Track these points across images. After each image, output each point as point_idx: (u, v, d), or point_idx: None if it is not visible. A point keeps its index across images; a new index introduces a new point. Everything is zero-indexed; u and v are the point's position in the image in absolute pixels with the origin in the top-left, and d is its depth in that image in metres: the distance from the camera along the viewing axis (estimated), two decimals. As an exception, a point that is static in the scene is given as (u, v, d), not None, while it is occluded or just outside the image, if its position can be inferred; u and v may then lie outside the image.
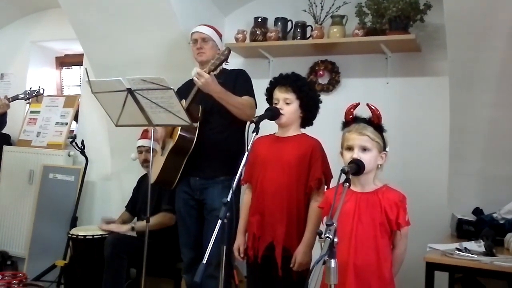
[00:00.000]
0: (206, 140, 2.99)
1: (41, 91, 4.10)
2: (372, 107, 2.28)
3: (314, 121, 2.74)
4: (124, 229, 3.60)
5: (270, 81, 2.74)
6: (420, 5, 3.32)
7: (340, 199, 1.80)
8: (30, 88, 4.15)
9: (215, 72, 2.95)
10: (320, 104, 2.73)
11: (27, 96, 4.07)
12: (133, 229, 3.59)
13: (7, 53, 5.28)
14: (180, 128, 2.96)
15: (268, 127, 2.71)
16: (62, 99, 4.96)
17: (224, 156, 2.99)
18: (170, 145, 3.05)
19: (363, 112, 2.31)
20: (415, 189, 3.17)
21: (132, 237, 3.67)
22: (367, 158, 2.17)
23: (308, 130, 2.74)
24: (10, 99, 4.03)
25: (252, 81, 3.16)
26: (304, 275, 2.51)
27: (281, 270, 2.54)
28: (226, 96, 2.92)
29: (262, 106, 2.79)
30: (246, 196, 2.79)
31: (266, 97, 2.76)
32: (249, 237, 2.69)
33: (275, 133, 2.75)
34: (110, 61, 3.93)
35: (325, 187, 2.61)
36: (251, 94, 3.09)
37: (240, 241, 2.72)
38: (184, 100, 2.97)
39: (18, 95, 4.07)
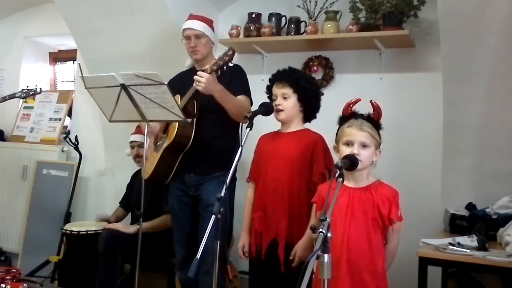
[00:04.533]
0: (201, 136, 2.96)
1: (38, 90, 4.06)
2: (375, 104, 2.29)
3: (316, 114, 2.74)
4: (131, 230, 3.49)
5: (269, 78, 2.74)
6: (414, 1, 3.33)
7: (334, 194, 1.81)
8: (27, 86, 4.12)
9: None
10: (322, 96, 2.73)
11: (24, 95, 4.06)
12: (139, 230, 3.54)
13: (0, 49, 5.24)
14: (177, 125, 2.93)
15: (274, 123, 2.73)
16: (56, 94, 4.95)
17: (220, 152, 2.96)
18: (165, 141, 3.02)
19: (357, 108, 2.32)
20: (408, 184, 3.20)
21: (126, 232, 3.65)
22: (366, 154, 2.18)
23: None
24: (7, 97, 4.01)
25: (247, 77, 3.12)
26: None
27: (284, 265, 2.53)
28: (227, 96, 2.84)
29: (256, 102, 2.78)
30: (248, 194, 2.78)
31: (267, 95, 2.76)
32: (251, 234, 2.68)
33: (279, 130, 2.75)
34: (103, 56, 3.92)
35: None
36: (247, 92, 3.03)
37: (244, 240, 2.71)
38: (179, 95, 2.95)
39: (15, 93, 4.05)
